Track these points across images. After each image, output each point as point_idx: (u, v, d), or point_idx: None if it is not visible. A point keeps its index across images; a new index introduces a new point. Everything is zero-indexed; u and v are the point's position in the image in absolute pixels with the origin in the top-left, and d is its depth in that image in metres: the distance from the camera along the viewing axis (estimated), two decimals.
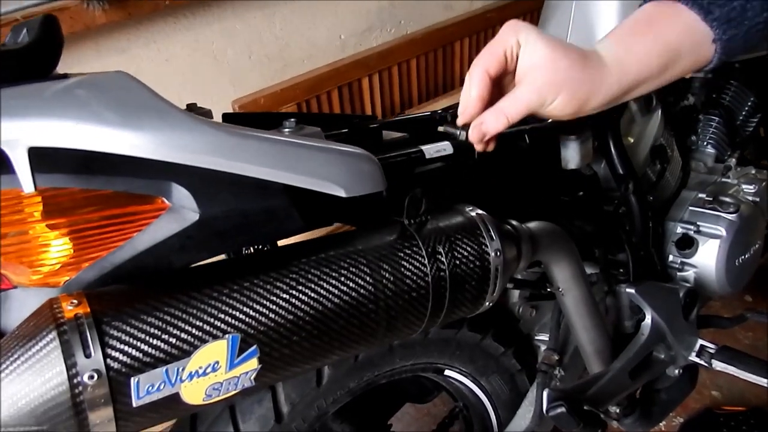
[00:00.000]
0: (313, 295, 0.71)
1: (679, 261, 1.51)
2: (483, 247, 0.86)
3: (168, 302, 0.64)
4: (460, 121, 0.85)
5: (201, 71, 1.89)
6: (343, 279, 0.73)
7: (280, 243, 0.83)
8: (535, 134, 1.13)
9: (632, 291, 1.31)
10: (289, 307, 0.69)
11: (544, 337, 1.48)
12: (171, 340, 0.62)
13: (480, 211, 0.90)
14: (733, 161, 1.64)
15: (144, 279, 0.67)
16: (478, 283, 0.85)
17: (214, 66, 1.93)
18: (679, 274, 1.52)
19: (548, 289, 1.14)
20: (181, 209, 0.66)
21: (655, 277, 1.45)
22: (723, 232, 1.47)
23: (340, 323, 0.73)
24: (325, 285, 0.72)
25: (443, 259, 0.81)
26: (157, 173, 0.63)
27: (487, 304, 0.89)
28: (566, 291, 1.10)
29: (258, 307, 0.67)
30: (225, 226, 0.68)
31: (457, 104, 1.54)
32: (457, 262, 0.82)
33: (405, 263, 0.78)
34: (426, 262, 0.79)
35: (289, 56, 2.17)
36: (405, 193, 0.83)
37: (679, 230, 1.52)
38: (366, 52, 2.36)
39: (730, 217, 1.48)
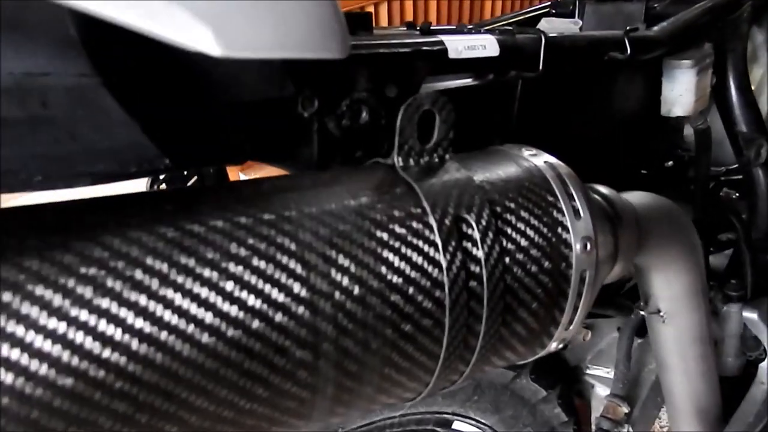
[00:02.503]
0: (144, 326, 0.29)
1: None
2: (559, 230, 0.43)
3: None
4: None
5: None
6: (232, 286, 0.31)
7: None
8: (638, 45, 0.69)
9: (752, 316, 0.89)
10: (72, 356, 0.27)
11: (600, 371, 1.07)
12: None
13: (551, 159, 0.47)
14: None
15: None
16: (545, 304, 0.43)
17: None
18: None
19: (641, 310, 0.70)
20: None
21: None
22: None
23: (218, 392, 0.31)
24: (185, 299, 0.30)
25: (476, 248, 0.39)
26: None
27: (554, 345, 0.47)
28: (671, 317, 0.68)
29: None
30: None
31: (498, 19, 1.11)
32: (507, 257, 0.40)
33: (388, 253, 0.36)
34: (438, 251, 0.37)
35: None
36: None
37: None
38: None
39: None
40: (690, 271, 0.64)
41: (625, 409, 0.93)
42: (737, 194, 1.10)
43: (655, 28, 0.77)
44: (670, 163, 1.04)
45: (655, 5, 0.92)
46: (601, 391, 1.04)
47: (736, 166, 1.03)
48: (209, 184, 0.66)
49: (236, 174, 1.63)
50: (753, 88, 1.05)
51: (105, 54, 0.29)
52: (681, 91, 0.81)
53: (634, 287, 0.95)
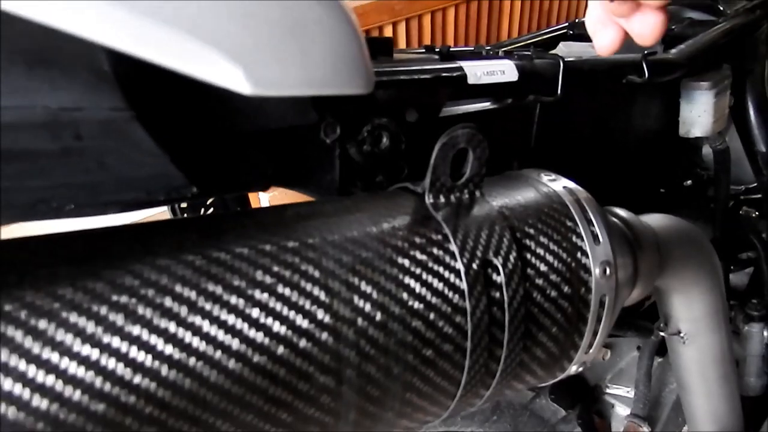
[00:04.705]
0: (173, 353, 0.30)
1: None
2: (578, 255, 0.43)
3: None
4: None
5: None
6: (257, 313, 0.32)
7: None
8: (656, 68, 0.69)
9: None
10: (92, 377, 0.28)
11: (620, 391, 1.06)
12: None
13: (570, 184, 0.48)
14: None
15: None
16: (565, 328, 0.43)
17: None
18: None
19: (660, 331, 0.70)
20: None
21: None
22: None
23: (244, 417, 0.32)
24: (213, 326, 0.31)
25: (499, 277, 0.39)
26: None
27: (573, 368, 0.47)
28: (692, 338, 0.67)
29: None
30: None
31: (515, 41, 1.11)
32: (528, 283, 0.40)
33: (413, 283, 0.36)
34: (462, 281, 0.37)
35: None
36: (424, 144, 0.42)
37: None
38: None
39: None
40: (710, 292, 0.64)
41: (646, 430, 0.92)
42: (757, 213, 1.09)
43: (673, 50, 0.77)
44: (690, 182, 1.03)
45: (673, 27, 0.92)
46: (622, 410, 1.03)
47: (756, 185, 1.03)
48: (232, 211, 0.67)
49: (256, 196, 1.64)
50: None
51: (136, 88, 0.30)
52: (699, 112, 0.80)
53: (653, 306, 0.94)
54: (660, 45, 0.91)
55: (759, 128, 0.91)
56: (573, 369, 0.48)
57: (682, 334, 0.68)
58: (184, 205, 0.76)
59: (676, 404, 1.01)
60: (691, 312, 0.65)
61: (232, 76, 0.24)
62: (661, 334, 0.69)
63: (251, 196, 0.85)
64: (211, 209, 0.75)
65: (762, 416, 0.95)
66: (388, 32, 1.92)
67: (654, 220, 0.58)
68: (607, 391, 1.07)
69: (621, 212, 0.55)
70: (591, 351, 0.47)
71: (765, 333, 0.90)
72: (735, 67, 0.87)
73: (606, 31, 0.47)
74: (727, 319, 0.69)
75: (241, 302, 0.32)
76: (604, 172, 0.80)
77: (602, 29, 0.47)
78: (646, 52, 0.69)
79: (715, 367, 0.71)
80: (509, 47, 1.00)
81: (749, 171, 1.00)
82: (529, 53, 0.61)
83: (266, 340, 0.32)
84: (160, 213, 0.68)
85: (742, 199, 1.07)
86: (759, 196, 1.01)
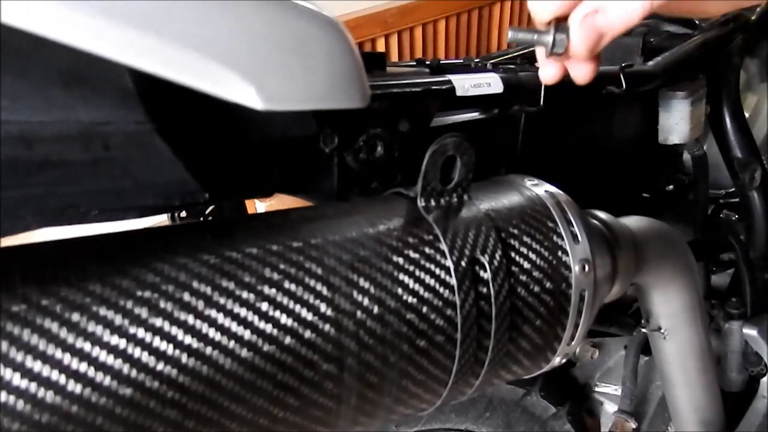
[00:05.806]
0: (192, 342, 0.33)
1: None
2: (559, 253, 0.46)
3: None
4: (543, 16, 0.47)
5: None
6: (266, 306, 0.35)
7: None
8: (634, 79, 0.73)
9: (752, 332, 0.91)
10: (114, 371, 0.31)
11: (608, 389, 1.09)
12: None
13: (551, 188, 0.51)
14: None
15: None
16: (548, 321, 0.46)
17: None
18: None
19: (643, 328, 0.73)
20: None
21: None
22: None
23: (255, 401, 0.35)
24: (227, 318, 0.34)
25: (485, 273, 0.42)
26: None
27: (557, 360, 0.50)
28: (672, 333, 0.70)
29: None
30: None
31: (503, 53, 1.15)
32: (512, 279, 0.43)
33: (407, 279, 0.39)
34: (452, 277, 0.41)
35: None
36: (416, 152, 0.45)
37: None
38: (383, 5, 1.97)
39: None
40: (686, 288, 0.67)
41: (633, 425, 0.95)
42: (736, 216, 1.13)
43: (650, 62, 0.81)
44: (671, 187, 1.07)
45: (652, 39, 0.96)
46: (610, 408, 1.05)
47: (734, 189, 1.06)
48: (243, 215, 0.70)
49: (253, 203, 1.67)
50: (747, 115, 1.08)
51: (157, 104, 0.33)
52: (677, 119, 0.84)
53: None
54: (639, 57, 0.95)
55: (734, 135, 0.94)
56: (557, 360, 0.51)
57: (662, 330, 0.71)
58: (183, 214, 0.79)
59: (662, 400, 1.04)
60: (669, 307, 0.68)
61: (245, 94, 0.27)
62: (643, 330, 0.73)
63: (248, 204, 0.88)
64: (210, 218, 0.78)
65: (743, 410, 0.98)
66: (380, 44, 1.95)
67: (632, 221, 0.61)
68: (596, 389, 1.10)
69: (600, 214, 0.58)
70: (573, 343, 0.50)
71: (744, 330, 0.93)
72: (710, 77, 0.90)
73: (549, 67, 0.54)
74: (705, 315, 0.72)
75: (251, 296, 0.35)
76: (588, 178, 0.83)
77: (545, 65, 0.54)
78: (623, 64, 0.72)
79: (694, 359, 0.75)
80: (497, 60, 1.03)
81: (728, 176, 1.03)
82: (514, 66, 0.65)
83: (274, 331, 0.35)
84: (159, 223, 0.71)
85: (722, 203, 1.11)
86: (737, 200, 1.05)
